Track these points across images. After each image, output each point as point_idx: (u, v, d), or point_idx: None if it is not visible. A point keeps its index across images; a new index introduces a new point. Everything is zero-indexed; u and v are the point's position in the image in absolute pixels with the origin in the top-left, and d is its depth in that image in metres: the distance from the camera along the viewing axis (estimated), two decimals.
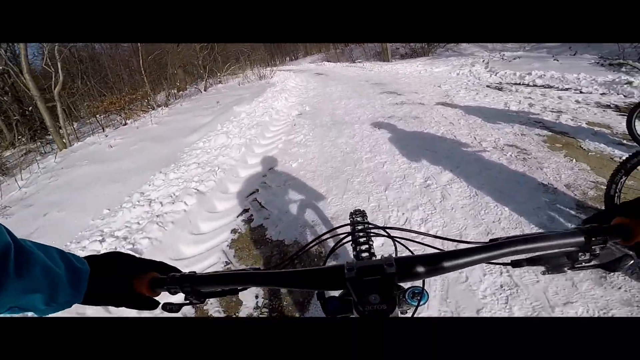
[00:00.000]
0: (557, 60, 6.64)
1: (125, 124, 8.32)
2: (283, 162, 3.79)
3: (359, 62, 14.02)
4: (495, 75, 6.61)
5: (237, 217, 2.82)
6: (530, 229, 1.98)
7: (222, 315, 1.86)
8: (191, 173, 3.64)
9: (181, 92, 12.62)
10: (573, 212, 2.08)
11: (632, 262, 0.43)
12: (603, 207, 2.00)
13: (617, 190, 1.80)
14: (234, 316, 1.83)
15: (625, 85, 4.39)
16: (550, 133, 3.29)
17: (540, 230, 1.07)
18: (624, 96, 4.24)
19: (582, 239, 0.43)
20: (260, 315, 1.80)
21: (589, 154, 2.78)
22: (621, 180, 1.78)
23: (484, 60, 8.01)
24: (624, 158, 1.84)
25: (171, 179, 3.58)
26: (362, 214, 1.14)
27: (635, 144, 2.74)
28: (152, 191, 3.36)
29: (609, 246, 0.44)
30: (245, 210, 2.88)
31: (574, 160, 2.68)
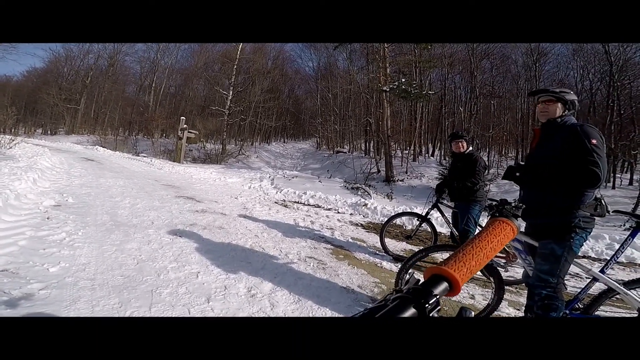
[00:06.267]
0: (321, 182, 8.91)
1: None
2: (29, 263, 2.60)
3: (145, 156, 12.89)
4: (280, 192, 7.88)
5: None
6: None
7: None
8: None
9: None
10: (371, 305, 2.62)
11: (472, 313, 0.42)
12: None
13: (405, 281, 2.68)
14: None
15: (363, 207, 6.39)
16: (332, 246, 4.10)
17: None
18: (363, 216, 6.13)
19: (413, 311, 0.40)
20: None
21: (362, 262, 3.64)
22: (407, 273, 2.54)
23: (269, 177, 9.48)
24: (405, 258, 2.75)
25: None
26: None
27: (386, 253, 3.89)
28: None
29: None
30: None
31: (356, 268, 3.41)
